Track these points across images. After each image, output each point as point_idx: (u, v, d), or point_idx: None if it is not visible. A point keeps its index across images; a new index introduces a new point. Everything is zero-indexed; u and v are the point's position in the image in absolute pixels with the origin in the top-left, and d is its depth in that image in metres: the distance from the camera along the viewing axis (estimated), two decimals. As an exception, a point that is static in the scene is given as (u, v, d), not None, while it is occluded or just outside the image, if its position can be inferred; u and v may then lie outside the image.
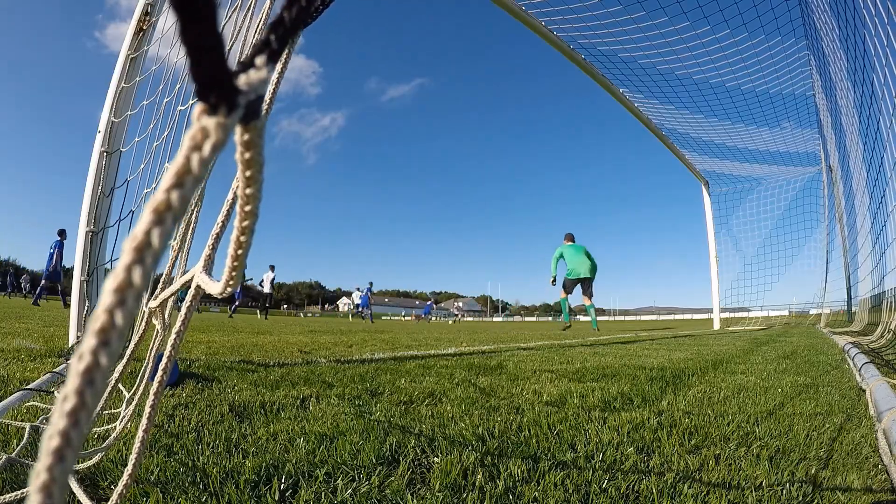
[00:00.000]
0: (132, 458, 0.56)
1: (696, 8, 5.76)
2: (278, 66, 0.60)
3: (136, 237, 0.17)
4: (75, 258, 2.50)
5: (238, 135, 0.21)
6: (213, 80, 0.18)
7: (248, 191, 0.23)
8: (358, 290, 22.27)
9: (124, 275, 0.17)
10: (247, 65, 0.19)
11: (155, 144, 2.07)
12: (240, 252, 0.29)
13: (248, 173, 0.22)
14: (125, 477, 0.56)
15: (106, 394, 0.91)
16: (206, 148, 0.18)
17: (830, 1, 4.51)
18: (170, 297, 0.72)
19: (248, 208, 0.25)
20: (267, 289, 15.77)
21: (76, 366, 0.16)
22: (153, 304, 0.81)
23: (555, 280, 9.62)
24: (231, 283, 0.35)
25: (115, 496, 0.57)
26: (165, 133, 1.94)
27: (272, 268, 15.91)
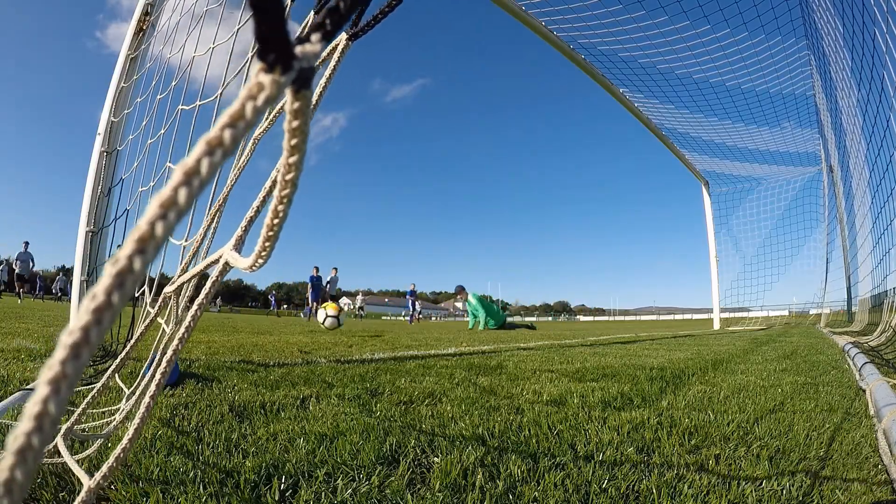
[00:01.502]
0: (133, 425, 0.56)
1: (696, 7, 5.77)
2: (332, 62, 0.62)
3: (188, 164, 0.19)
4: (75, 258, 2.50)
5: (289, 102, 0.23)
6: (273, 42, 0.20)
7: (291, 159, 0.25)
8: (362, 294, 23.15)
9: (171, 193, 0.19)
10: (303, 39, 0.22)
11: (149, 142, 2.07)
12: (276, 221, 0.30)
13: (293, 142, 0.24)
14: (118, 449, 0.57)
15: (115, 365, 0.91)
16: (260, 99, 0.21)
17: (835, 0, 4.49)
18: (190, 279, 0.72)
19: (289, 177, 0.26)
20: (332, 291, 16.09)
21: (110, 269, 0.17)
22: (169, 288, 0.81)
23: (477, 324, 9.65)
24: (263, 254, 0.35)
25: (105, 467, 0.57)
26: (162, 131, 1.94)
27: (335, 269, 16.11)
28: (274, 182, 0.51)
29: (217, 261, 0.53)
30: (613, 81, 7.45)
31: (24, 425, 0.16)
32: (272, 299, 33.20)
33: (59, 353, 0.16)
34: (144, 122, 2.21)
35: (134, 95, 2.56)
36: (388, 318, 49.46)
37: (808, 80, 7.93)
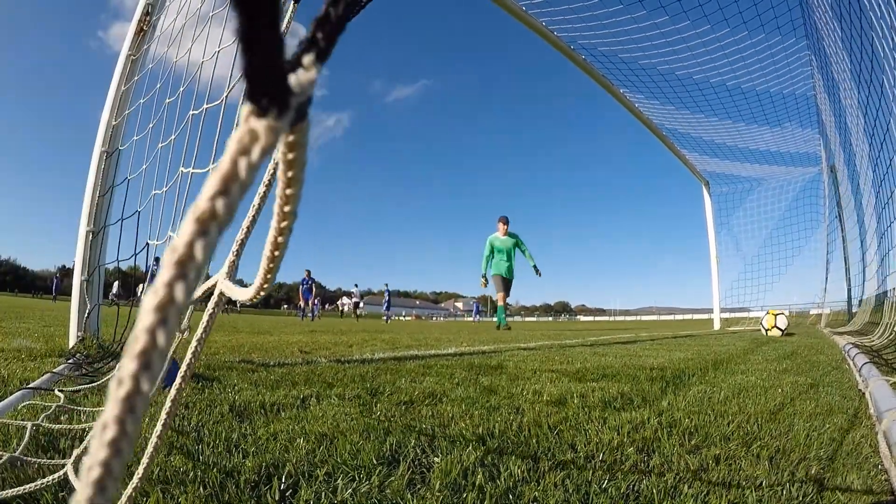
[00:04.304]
0: (143, 461, 0.55)
1: (697, 7, 5.76)
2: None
3: (178, 249, 0.16)
4: (75, 258, 2.50)
5: (283, 136, 0.19)
6: (267, 80, 0.16)
7: (288, 191, 0.22)
8: (356, 286, 23.82)
9: (165, 291, 0.16)
10: (295, 64, 0.18)
11: (160, 145, 2.07)
12: (276, 254, 0.29)
13: (290, 174, 0.21)
14: (135, 479, 0.56)
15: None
16: (255, 152, 0.17)
17: (833, 2, 4.49)
18: (191, 304, 0.72)
19: (287, 209, 0.24)
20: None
21: (116, 392, 0.15)
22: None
23: (486, 281, 8.73)
24: (265, 285, 0.34)
25: (123, 498, 0.57)
26: (173, 136, 1.94)
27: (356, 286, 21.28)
28: (262, 201, 0.50)
29: (214, 286, 0.53)
30: (614, 82, 7.45)
31: (82, 493, 0.15)
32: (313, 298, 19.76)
33: (113, 407, 0.15)
34: (151, 125, 2.21)
35: (136, 97, 2.56)
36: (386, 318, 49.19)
37: (809, 81, 7.92)
